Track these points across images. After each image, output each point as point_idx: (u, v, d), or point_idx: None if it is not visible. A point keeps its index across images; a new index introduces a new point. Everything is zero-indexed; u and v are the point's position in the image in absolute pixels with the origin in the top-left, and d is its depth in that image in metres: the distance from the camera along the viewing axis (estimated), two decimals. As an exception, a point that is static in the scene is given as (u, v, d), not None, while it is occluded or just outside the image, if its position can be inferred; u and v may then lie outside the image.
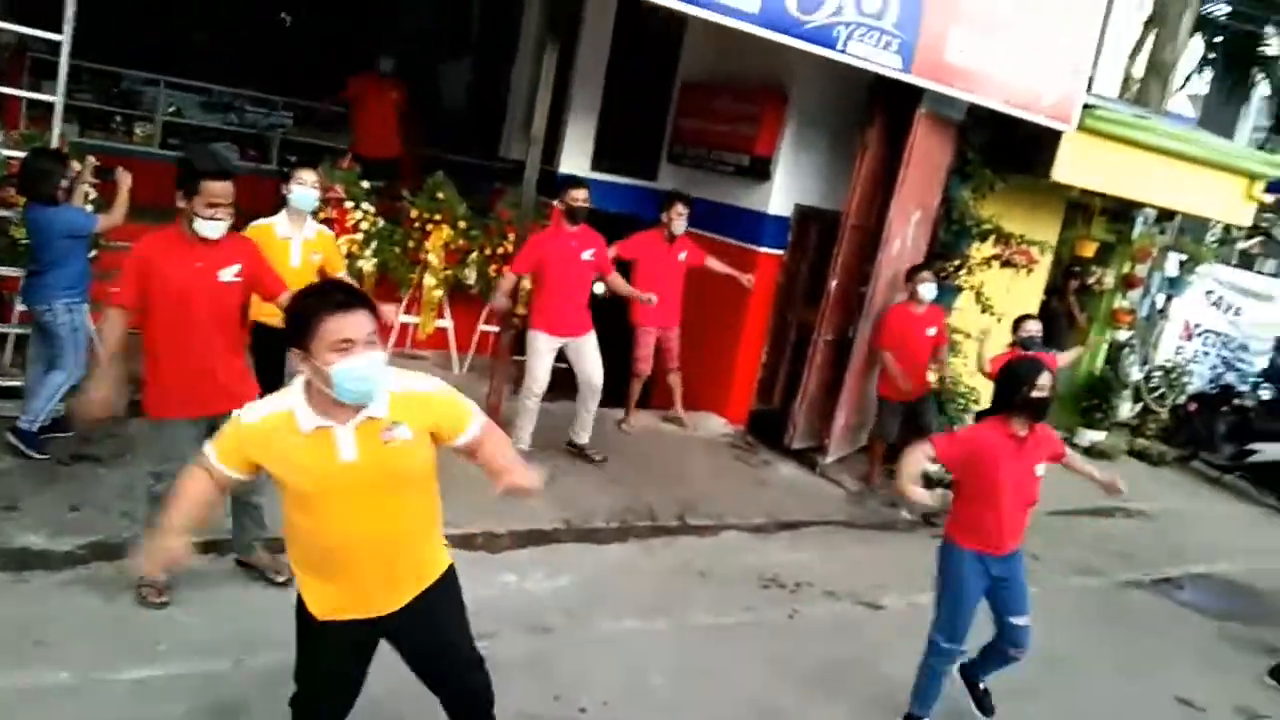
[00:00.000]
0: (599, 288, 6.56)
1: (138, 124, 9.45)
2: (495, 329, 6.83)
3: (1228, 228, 11.35)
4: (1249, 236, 15.59)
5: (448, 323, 7.69)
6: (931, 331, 7.16)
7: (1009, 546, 4.08)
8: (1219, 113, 12.91)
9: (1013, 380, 3.97)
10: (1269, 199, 9.60)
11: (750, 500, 6.69)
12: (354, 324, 2.41)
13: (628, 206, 8.05)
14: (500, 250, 7.49)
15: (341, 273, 5.31)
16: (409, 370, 2.70)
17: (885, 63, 6.06)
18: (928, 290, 7.07)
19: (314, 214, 5.31)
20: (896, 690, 4.45)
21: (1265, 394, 10.44)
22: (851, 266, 7.38)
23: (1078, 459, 4.46)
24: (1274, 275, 16.55)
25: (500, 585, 4.83)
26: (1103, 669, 5.35)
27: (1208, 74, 13.56)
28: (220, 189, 3.77)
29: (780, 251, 7.86)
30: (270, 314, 4.56)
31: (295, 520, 2.60)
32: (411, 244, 7.38)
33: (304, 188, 5.04)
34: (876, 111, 7.06)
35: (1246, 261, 16.67)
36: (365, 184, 7.21)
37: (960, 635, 4.13)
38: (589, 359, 6.34)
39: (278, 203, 5.18)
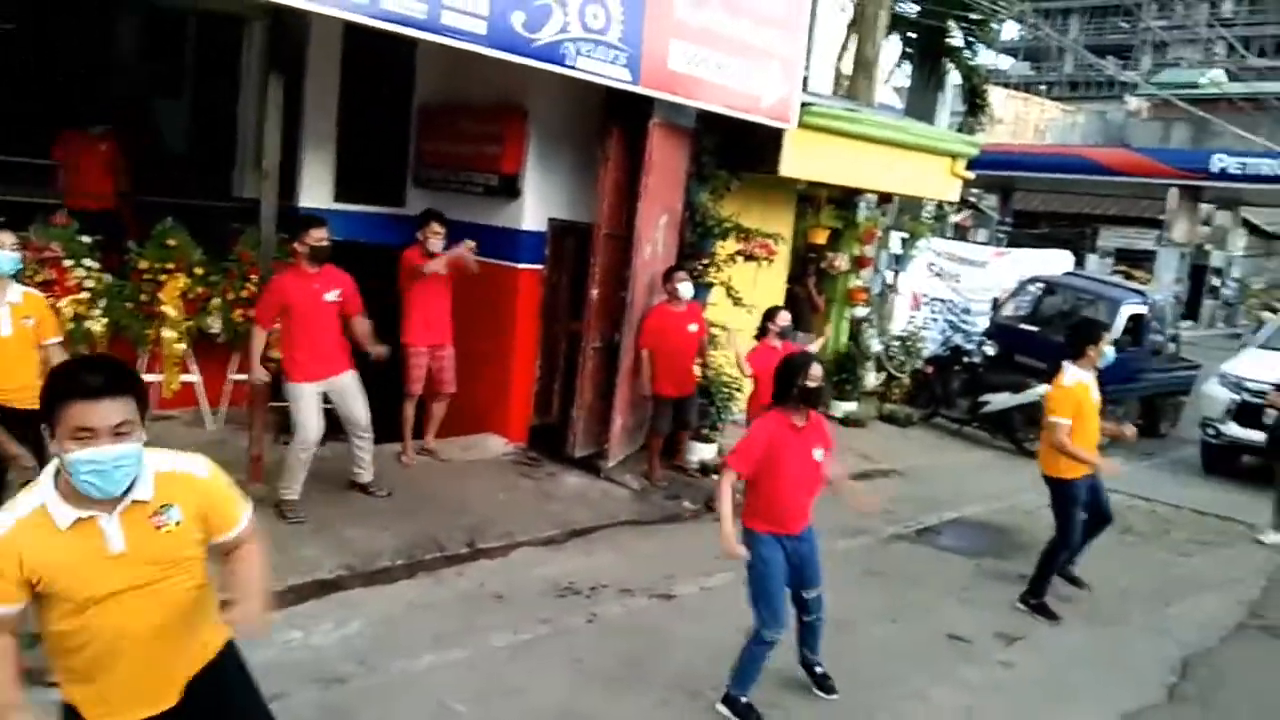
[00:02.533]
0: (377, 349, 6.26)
1: None
2: (246, 377, 6.47)
3: (940, 204, 12.50)
4: (959, 211, 17.28)
5: (195, 377, 7.17)
6: (693, 328, 7.49)
7: (799, 526, 4.41)
8: (920, 101, 14.22)
9: (788, 374, 4.32)
10: (971, 175, 10.67)
11: (539, 514, 6.71)
12: (100, 413, 2.19)
13: (377, 236, 7.85)
14: (244, 293, 7.11)
15: (58, 337, 4.90)
16: (176, 451, 2.50)
17: (615, 76, 6.26)
18: (685, 289, 7.40)
19: (18, 277, 4.86)
20: (696, 674, 4.63)
21: (989, 350, 11.60)
22: (609, 274, 7.56)
23: (844, 481, 4.94)
24: (985, 243, 18.44)
25: (283, 644, 4.58)
26: (877, 621, 5.75)
27: (907, 67, 14.87)
28: None
29: (539, 266, 7.92)
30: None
31: (64, 628, 2.32)
32: (144, 297, 6.87)
33: (1, 250, 4.59)
34: (614, 123, 7.27)
35: (961, 233, 18.48)
36: (85, 239, 6.66)
37: (779, 619, 4.35)
38: (353, 398, 6.13)
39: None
